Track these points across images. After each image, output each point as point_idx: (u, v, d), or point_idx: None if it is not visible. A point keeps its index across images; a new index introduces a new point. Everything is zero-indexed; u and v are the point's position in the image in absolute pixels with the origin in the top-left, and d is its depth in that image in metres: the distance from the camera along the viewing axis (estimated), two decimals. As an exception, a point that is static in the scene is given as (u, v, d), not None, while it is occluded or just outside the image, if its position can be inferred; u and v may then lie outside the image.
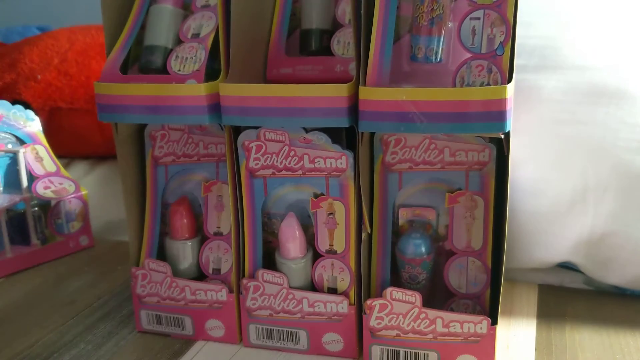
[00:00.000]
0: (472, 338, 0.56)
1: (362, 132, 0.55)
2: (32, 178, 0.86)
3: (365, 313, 0.58)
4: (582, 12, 0.71)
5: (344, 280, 0.60)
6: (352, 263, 0.60)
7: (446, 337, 0.56)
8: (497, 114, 0.50)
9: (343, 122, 0.54)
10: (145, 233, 0.66)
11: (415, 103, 0.51)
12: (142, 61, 0.62)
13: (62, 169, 0.90)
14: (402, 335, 0.57)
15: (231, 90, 0.56)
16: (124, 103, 0.59)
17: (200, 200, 0.66)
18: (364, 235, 0.58)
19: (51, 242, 0.86)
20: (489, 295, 0.60)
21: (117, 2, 0.63)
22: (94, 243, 0.91)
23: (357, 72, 0.54)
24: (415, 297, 0.56)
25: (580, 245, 0.68)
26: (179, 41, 0.62)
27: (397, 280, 0.61)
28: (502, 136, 0.52)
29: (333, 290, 0.61)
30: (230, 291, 0.63)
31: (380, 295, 0.58)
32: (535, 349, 0.61)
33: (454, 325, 0.56)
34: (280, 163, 0.59)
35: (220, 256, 0.65)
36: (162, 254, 0.67)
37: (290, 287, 0.60)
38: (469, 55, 0.54)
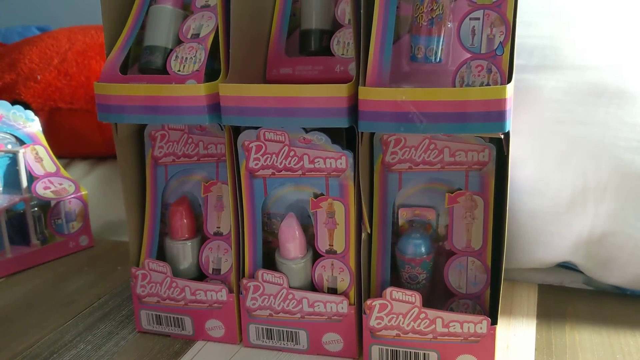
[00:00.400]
0: (472, 338, 0.56)
1: (362, 132, 0.55)
2: (32, 178, 0.86)
3: (365, 313, 0.58)
4: (582, 12, 0.71)
5: (344, 280, 0.60)
6: (352, 263, 0.60)
7: (446, 337, 0.56)
8: (496, 114, 0.50)
9: (343, 122, 0.54)
10: (145, 233, 0.66)
11: (415, 103, 0.51)
12: (142, 61, 0.62)
13: (62, 169, 0.90)
14: (402, 335, 0.57)
15: (231, 91, 0.56)
16: (124, 103, 0.59)
17: (200, 200, 0.66)
18: (363, 235, 0.58)
19: (51, 242, 0.87)
20: (488, 295, 0.60)
21: (117, 2, 0.63)
22: (93, 243, 0.91)
23: (356, 72, 0.54)
24: (415, 297, 0.56)
25: (580, 245, 0.68)
26: (178, 41, 0.62)
27: (397, 280, 0.61)
28: (502, 136, 0.52)
29: (333, 290, 0.61)
30: (230, 291, 0.63)
31: (380, 295, 0.58)
32: (535, 349, 0.61)
33: (454, 325, 0.56)
34: (280, 163, 0.59)
35: (220, 256, 0.65)
36: (162, 254, 0.67)
37: (290, 287, 0.60)
38: (468, 55, 0.54)
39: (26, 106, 0.98)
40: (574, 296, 0.71)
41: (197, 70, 0.58)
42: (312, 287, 0.61)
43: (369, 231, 0.59)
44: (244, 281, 0.61)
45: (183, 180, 0.67)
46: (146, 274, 0.64)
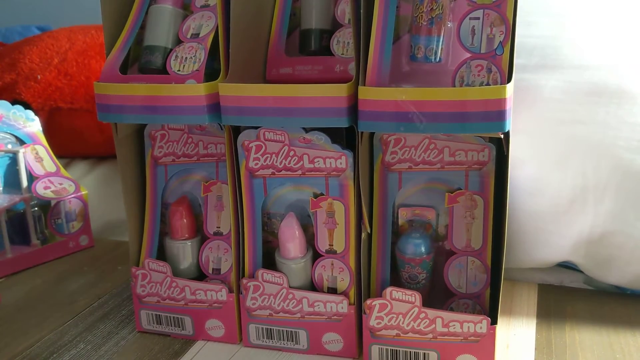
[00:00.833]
0: (472, 338, 0.56)
1: (362, 132, 0.55)
2: (32, 178, 0.86)
3: (365, 313, 0.58)
4: (582, 12, 0.71)
5: (344, 280, 0.60)
6: (352, 263, 0.60)
7: (446, 337, 0.56)
8: (496, 114, 0.50)
9: (342, 122, 0.54)
10: (145, 233, 0.66)
11: (414, 103, 0.51)
12: (141, 61, 0.62)
13: (62, 169, 0.90)
14: (402, 335, 0.57)
15: (231, 90, 0.56)
16: (124, 103, 0.59)
17: (200, 200, 0.66)
18: (363, 235, 0.58)
19: (51, 242, 0.86)
20: (488, 294, 0.60)
21: (116, 2, 0.63)
22: (94, 243, 0.91)
23: (356, 72, 0.54)
24: (415, 297, 0.56)
25: (580, 245, 0.68)
26: (178, 41, 0.62)
27: (396, 279, 0.61)
28: (502, 136, 0.52)
29: (333, 290, 0.61)
30: (230, 291, 0.63)
31: (380, 295, 0.58)
32: (535, 349, 0.61)
33: (454, 325, 0.56)
34: (280, 163, 0.59)
35: (220, 256, 0.65)
36: (162, 254, 0.67)
37: (290, 287, 0.60)
38: (468, 55, 0.54)
39: (26, 106, 0.98)
40: (574, 296, 0.71)
41: (196, 70, 0.58)
42: (312, 286, 0.61)
43: (368, 231, 0.59)
44: (244, 281, 0.61)
45: (183, 180, 0.67)
46: (146, 273, 0.64)
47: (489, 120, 0.50)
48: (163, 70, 0.60)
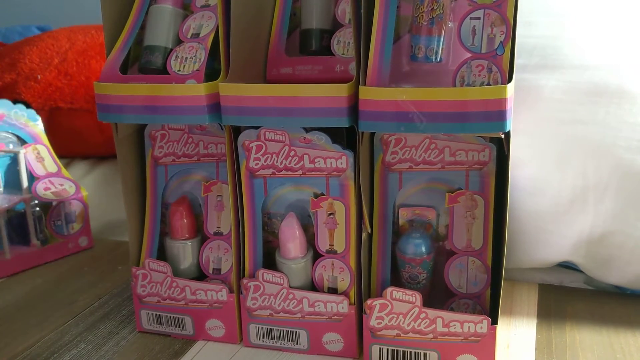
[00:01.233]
0: (473, 338, 0.56)
1: (362, 132, 0.55)
2: (32, 179, 0.86)
3: (365, 313, 0.58)
4: (582, 12, 0.71)
5: (344, 280, 0.60)
6: (353, 263, 0.60)
7: (446, 337, 0.56)
8: (497, 114, 0.50)
9: (343, 122, 0.54)
10: (145, 233, 0.66)
11: (415, 103, 0.51)
12: (142, 61, 0.62)
13: (64, 170, 0.89)
14: (402, 335, 0.57)
15: (231, 90, 0.56)
16: (124, 103, 0.59)
17: (200, 200, 0.66)
18: (364, 235, 0.58)
19: (51, 243, 0.86)
20: (489, 294, 0.60)
21: (117, 2, 0.63)
22: (93, 244, 0.90)
23: (357, 72, 0.54)
24: (416, 297, 0.56)
25: (580, 245, 0.68)
26: (178, 41, 0.62)
27: (397, 280, 0.61)
28: (502, 136, 0.52)
29: (333, 290, 0.61)
30: (231, 291, 0.63)
31: (380, 295, 0.58)
32: (536, 349, 0.61)
33: (454, 325, 0.56)
34: (281, 163, 0.59)
35: (220, 256, 0.65)
36: (162, 254, 0.67)
37: (291, 287, 0.60)
38: (469, 55, 0.54)
39: (27, 106, 0.98)
40: (574, 296, 0.71)
41: (197, 70, 0.58)
42: (313, 286, 0.61)
43: (369, 231, 0.59)
44: (245, 281, 0.61)
45: (183, 180, 0.67)
46: (146, 273, 0.64)
47: (489, 120, 0.50)
48: (163, 70, 0.60)
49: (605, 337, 0.63)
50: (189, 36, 0.61)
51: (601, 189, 0.65)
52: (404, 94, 0.51)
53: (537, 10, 0.71)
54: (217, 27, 0.60)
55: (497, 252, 0.59)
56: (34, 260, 0.84)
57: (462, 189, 0.59)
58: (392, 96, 0.51)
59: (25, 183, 0.84)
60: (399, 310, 0.57)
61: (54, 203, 0.86)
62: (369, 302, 0.57)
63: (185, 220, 0.65)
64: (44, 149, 0.89)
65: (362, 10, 0.54)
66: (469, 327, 0.56)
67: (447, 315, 0.56)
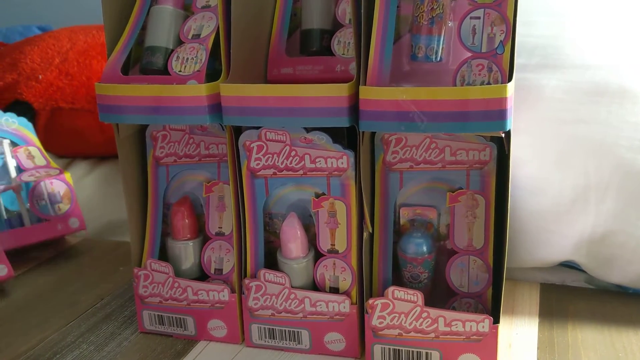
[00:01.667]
0: (474, 337, 0.56)
1: (363, 132, 0.55)
2: (21, 171, 0.87)
3: (367, 312, 0.58)
4: (583, 11, 0.71)
5: (346, 280, 0.60)
6: (354, 262, 0.60)
7: (448, 336, 0.56)
8: (497, 113, 0.50)
9: (344, 122, 0.54)
10: (147, 233, 0.66)
11: (415, 102, 0.51)
12: (143, 62, 0.62)
13: (52, 162, 0.90)
14: (404, 334, 0.57)
15: (232, 91, 0.56)
16: (125, 104, 0.59)
17: (201, 200, 0.66)
18: (365, 235, 0.58)
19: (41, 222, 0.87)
20: (490, 294, 0.60)
21: (117, 2, 0.63)
22: (85, 226, 0.90)
23: (357, 71, 0.54)
24: (417, 296, 0.56)
25: (582, 244, 0.68)
26: (179, 42, 0.62)
27: (398, 279, 0.61)
28: (503, 135, 0.52)
29: (335, 290, 0.61)
30: (232, 291, 0.63)
31: (382, 294, 0.58)
32: (538, 348, 0.61)
33: (456, 324, 0.56)
34: (282, 163, 0.59)
35: (222, 256, 0.65)
36: (164, 255, 0.67)
37: (292, 287, 0.61)
38: (469, 54, 0.54)
39: (28, 106, 0.99)
40: (576, 295, 0.71)
41: (198, 71, 0.58)
42: (314, 286, 0.61)
43: (370, 230, 0.59)
44: (246, 281, 0.61)
45: (184, 181, 0.67)
46: (148, 274, 0.64)
47: (490, 119, 0.50)
48: (164, 71, 0.60)
49: (607, 336, 0.63)
50: (189, 37, 0.61)
51: (602, 188, 0.65)
52: (404, 93, 0.51)
53: (538, 9, 0.71)
54: (218, 27, 0.60)
55: (498, 251, 0.59)
56: (22, 239, 0.84)
57: (463, 189, 0.59)
58: (392, 96, 0.51)
59: (13, 173, 0.85)
60: (400, 310, 0.57)
61: (33, 184, 0.86)
62: (370, 301, 0.57)
63: (186, 221, 0.65)
64: (35, 149, 0.90)
65: (362, 10, 0.54)
66: (470, 326, 0.56)
67: (448, 314, 0.56)
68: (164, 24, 0.62)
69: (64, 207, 0.88)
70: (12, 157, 0.86)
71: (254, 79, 0.61)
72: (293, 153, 0.58)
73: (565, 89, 0.66)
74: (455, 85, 0.54)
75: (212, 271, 0.65)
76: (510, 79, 0.52)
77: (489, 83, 0.53)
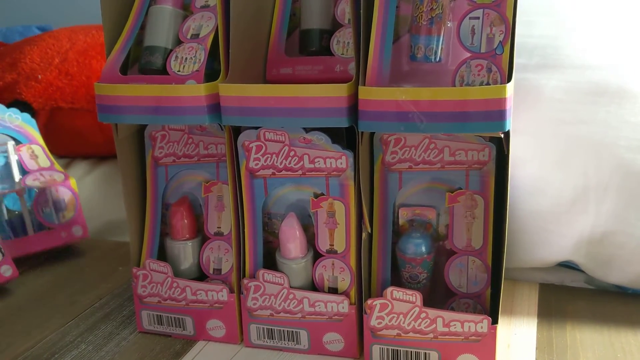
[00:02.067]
0: (473, 337, 0.56)
1: (362, 132, 0.55)
2: (24, 173, 0.86)
3: (365, 313, 0.58)
4: (583, 11, 0.71)
5: (345, 280, 0.60)
6: (353, 263, 0.60)
7: (447, 337, 0.56)
8: (496, 113, 0.50)
9: (343, 122, 0.54)
10: (145, 233, 0.66)
11: (414, 103, 0.51)
12: (141, 62, 0.62)
13: (56, 164, 0.89)
14: (402, 334, 0.57)
15: (231, 91, 0.56)
16: (124, 104, 0.59)
17: (200, 200, 0.66)
18: (364, 235, 0.58)
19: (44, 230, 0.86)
20: (489, 294, 0.60)
21: (116, 2, 0.63)
22: (88, 234, 0.89)
23: (356, 72, 0.54)
24: (416, 297, 0.56)
25: (581, 244, 0.68)
26: (178, 42, 0.62)
27: (397, 279, 0.61)
28: (502, 135, 0.52)
29: (334, 290, 0.61)
30: (231, 291, 0.63)
31: (380, 294, 0.58)
32: (536, 348, 0.61)
33: (455, 325, 0.56)
34: (280, 163, 0.59)
35: (220, 256, 0.65)
36: (162, 255, 0.67)
37: (291, 287, 0.60)
38: (468, 54, 0.54)
39: (27, 105, 0.98)
40: (575, 295, 0.71)
41: (197, 71, 0.58)
42: (313, 286, 0.61)
43: (369, 231, 0.59)
44: (245, 281, 0.61)
45: (183, 181, 0.67)
46: (147, 274, 0.64)
47: (489, 119, 0.50)
48: (163, 70, 0.60)
49: (606, 337, 0.63)
50: (188, 37, 0.61)
51: (602, 188, 0.65)
52: (403, 93, 0.51)
53: (537, 9, 0.71)
54: (217, 27, 0.60)
55: (497, 251, 0.59)
56: (27, 247, 0.83)
57: (462, 189, 0.59)
58: (391, 96, 0.51)
59: (17, 176, 0.84)
60: (399, 310, 0.57)
61: (38, 190, 0.85)
62: (369, 301, 0.57)
63: (185, 221, 0.65)
64: (39, 148, 0.89)
65: (361, 10, 0.54)
66: (469, 326, 0.56)
67: (447, 314, 0.56)
68: (163, 24, 0.62)
69: (69, 214, 0.87)
70: (15, 156, 0.85)
71: (253, 79, 0.61)
72: (292, 153, 0.58)
73: (564, 89, 0.66)
74: (455, 86, 0.54)
75: (211, 271, 0.65)
76: (509, 80, 0.52)
77: (488, 83, 0.53)
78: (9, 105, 1.05)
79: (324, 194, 0.59)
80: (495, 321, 0.55)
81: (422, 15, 0.54)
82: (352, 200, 0.58)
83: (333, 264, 0.60)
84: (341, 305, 0.60)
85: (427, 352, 0.57)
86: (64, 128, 1.10)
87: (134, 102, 0.58)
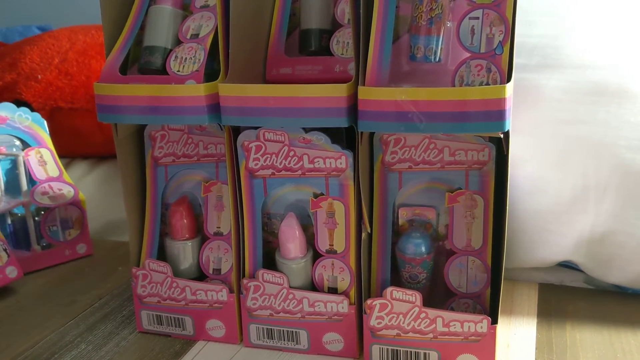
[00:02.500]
0: (473, 337, 0.56)
1: (362, 132, 0.55)
2: (33, 182, 0.85)
3: (365, 313, 0.58)
4: (582, 11, 0.71)
5: (344, 280, 0.60)
6: (352, 263, 0.60)
7: (446, 337, 0.56)
8: (496, 113, 0.50)
9: (342, 122, 0.54)
10: (145, 233, 0.66)
11: (414, 103, 0.51)
12: (141, 62, 0.62)
13: (65, 174, 0.87)
14: (402, 334, 0.57)
15: (230, 91, 0.56)
16: (124, 104, 0.59)
17: (200, 200, 0.66)
18: (364, 235, 0.58)
19: (50, 248, 0.85)
20: (489, 294, 0.60)
21: (116, 2, 0.63)
22: (92, 251, 0.88)
23: (356, 72, 0.54)
24: (416, 297, 0.56)
25: (580, 244, 0.68)
26: (178, 42, 0.62)
27: (397, 279, 0.61)
28: (502, 135, 0.52)
29: (333, 290, 0.61)
30: (231, 291, 0.63)
31: (380, 294, 0.58)
32: (536, 348, 0.61)
33: (455, 325, 0.56)
34: (280, 163, 0.59)
35: (220, 256, 0.65)
36: (162, 254, 0.67)
37: (291, 287, 0.60)
38: (468, 54, 0.54)
39: (27, 105, 0.98)
40: (574, 295, 0.71)
41: (196, 71, 0.58)
42: (313, 286, 0.61)
43: (369, 231, 0.59)
44: (245, 281, 0.61)
45: (183, 181, 0.67)
46: (147, 274, 0.64)
47: (488, 119, 0.50)
48: (163, 70, 0.60)
49: (606, 337, 0.63)
50: (188, 37, 0.61)
51: (602, 188, 0.65)
52: (403, 94, 0.51)
53: (537, 9, 0.71)
54: (217, 27, 0.60)
55: (497, 251, 0.59)
56: (29, 265, 0.83)
57: (461, 189, 0.59)
58: (391, 96, 0.51)
59: (24, 187, 0.84)
60: (399, 310, 0.57)
61: (49, 207, 0.85)
62: (369, 301, 0.57)
63: (185, 221, 0.65)
64: (48, 152, 0.87)
65: (361, 11, 0.54)
66: (469, 326, 0.56)
67: (447, 314, 0.56)
68: (163, 24, 0.62)
69: (74, 232, 0.87)
70: (23, 167, 0.84)
71: (252, 79, 0.61)
72: (291, 153, 0.58)
73: (564, 89, 0.66)
74: (454, 86, 0.54)
75: (211, 271, 0.65)
76: (509, 80, 0.52)
77: (487, 83, 0.53)
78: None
79: (323, 194, 0.59)
80: (494, 321, 0.55)
81: (421, 15, 0.54)
82: (352, 200, 0.58)
83: (333, 264, 0.60)
84: (341, 305, 0.60)
85: (426, 352, 0.57)
86: (64, 128, 1.10)
87: (133, 102, 0.58)
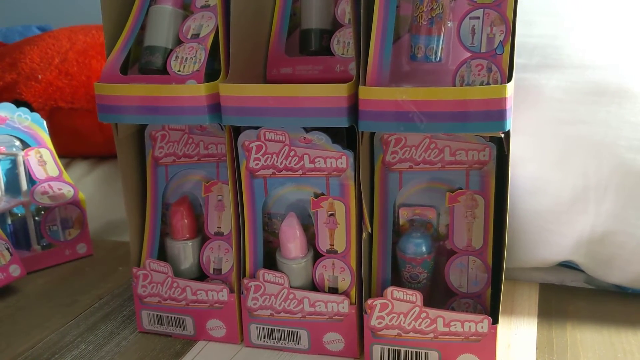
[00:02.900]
0: (473, 337, 0.56)
1: (362, 132, 0.55)
2: (33, 182, 0.85)
3: (366, 312, 0.58)
4: (583, 11, 0.71)
5: (345, 280, 0.60)
6: (353, 263, 0.60)
7: (447, 337, 0.56)
8: (497, 113, 0.50)
9: (343, 122, 0.54)
10: (146, 233, 0.66)
11: (415, 102, 0.51)
12: (142, 62, 0.62)
13: (65, 174, 0.88)
14: (403, 334, 0.57)
15: (231, 91, 0.56)
16: (124, 104, 0.59)
17: (200, 200, 0.66)
18: (364, 235, 0.58)
19: (50, 248, 0.85)
20: (489, 294, 0.60)
21: (116, 2, 0.63)
22: (92, 251, 0.88)
23: (356, 71, 0.54)
24: (416, 297, 0.56)
25: (581, 244, 0.68)
26: (178, 42, 0.62)
27: (397, 279, 0.61)
28: (502, 135, 0.52)
29: (334, 290, 0.61)
30: (231, 291, 0.63)
31: (381, 294, 0.58)
32: (537, 348, 0.61)
33: (455, 325, 0.56)
34: (281, 163, 0.59)
35: (221, 256, 0.65)
36: (162, 254, 0.67)
37: (291, 287, 0.60)
38: (468, 54, 0.54)
39: (27, 105, 0.98)
40: (575, 295, 0.71)
41: (197, 71, 0.58)
42: (313, 286, 0.61)
43: (369, 231, 0.59)
44: (245, 281, 0.61)
45: (183, 181, 0.67)
46: (147, 274, 0.64)
47: (489, 119, 0.50)
48: (163, 70, 0.60)
49: (606, 337, 0.63)
50: (189, 37, 0.61)
51: (602, 188, 0.65)
52: (403, 93, 0.51)
53: (538, 9, 0.71)
54: (217, 27, 0.60)
55: (497, 251, 0.59)
56: (29, 265, 0.82)
57: (462, 189, 0.59)
58: (392, 96, 0.51)
59: (24, 186, 0.84)
60: (399, 310, 0.57)
61: (49, 207, 0.84)
62: (369, 301, 0.57)
63: (185, 221, 0.65)
64: (47, 152, 0.87)
65: (361, 10, 0.54)
66: (469, 326, 0.56)
67: (447, 314, 0.56)
68: (163, 24, 0.62)
69: (74, 232, 0.87)
70: (23, 167, 0.84)
71: (253, 78, 0.61)
72: (292, 153, 0.58)
73: (564, 89, 0.66)
74: (455, 86, 0.54)
75: (211, 271, 0.65)
76: (509, 79, 0.52)
77: (488, 83, 0.53)
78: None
79: (324, 194, 0.59)
80: (495, 321, 0.55)
81: (422, 15, 0.54)
82: (353, 200, 0.58)
83: (333, 264, 0.60)
84: (341, 305, 0.60)
85: (427, 352, 0.57)
86: (64, 128, 1.10)
87: (134, 102, 0.58)
